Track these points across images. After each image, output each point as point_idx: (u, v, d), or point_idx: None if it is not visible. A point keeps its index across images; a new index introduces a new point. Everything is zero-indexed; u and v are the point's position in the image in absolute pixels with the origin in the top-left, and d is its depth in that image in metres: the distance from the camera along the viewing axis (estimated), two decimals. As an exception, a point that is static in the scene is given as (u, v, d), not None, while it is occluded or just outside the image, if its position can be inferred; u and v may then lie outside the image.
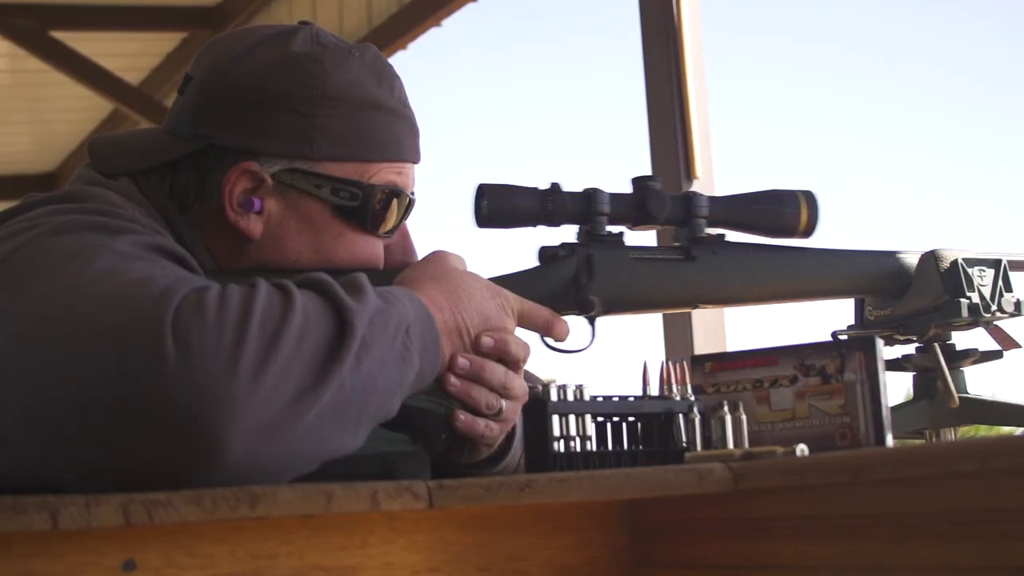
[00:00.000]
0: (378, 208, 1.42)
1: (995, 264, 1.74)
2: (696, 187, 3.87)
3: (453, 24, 5.90)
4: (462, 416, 1.33)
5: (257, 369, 1.05)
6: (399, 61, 6.08)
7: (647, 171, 2.90)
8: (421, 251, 1.42)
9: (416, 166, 1.48)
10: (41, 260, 1.14)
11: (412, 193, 1.47)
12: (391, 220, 1.44)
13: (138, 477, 1.00)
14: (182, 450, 1.03)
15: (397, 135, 1.44)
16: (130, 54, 7.28)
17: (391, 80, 1.46)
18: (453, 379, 1.31)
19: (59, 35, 6.71)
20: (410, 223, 1.49)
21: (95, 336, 1.06)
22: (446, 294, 1.30)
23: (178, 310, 1.06)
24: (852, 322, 1.81)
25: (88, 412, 1.04)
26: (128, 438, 1.04)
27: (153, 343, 1.04)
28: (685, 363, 1.36)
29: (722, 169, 4.16)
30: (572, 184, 1.49)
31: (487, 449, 1.39)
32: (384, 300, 1.18)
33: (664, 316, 3.99)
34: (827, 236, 1.65)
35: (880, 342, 1.36)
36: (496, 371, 1.33)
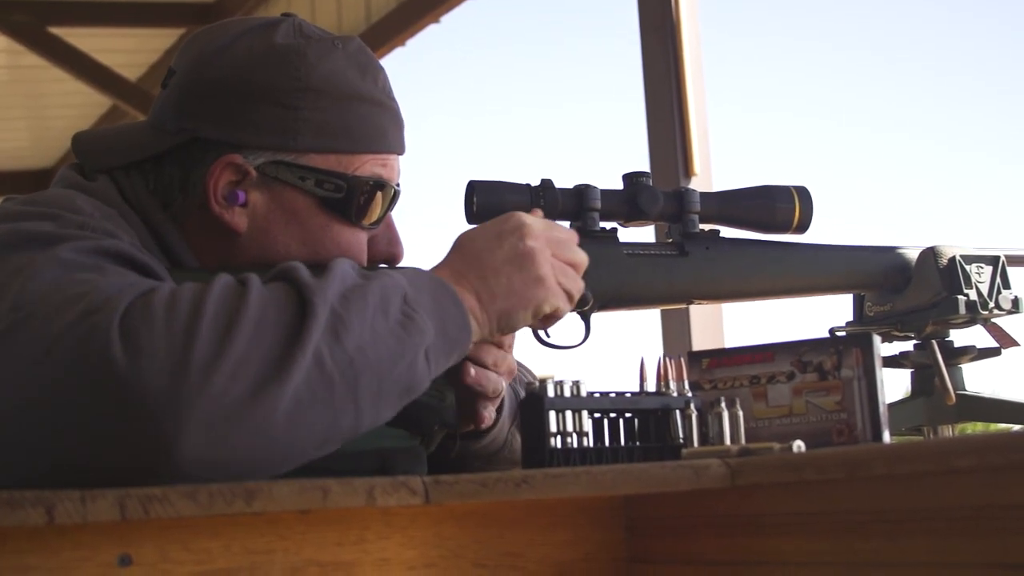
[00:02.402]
0: (363, 200, 1.42)
1: (993, 261, 1.74)
2: (694, 184, 3.87)
3: (452, 20, 5.90)
4: (485, 414, 1.40)
5: (210, 364, 1.05)
6: (397, 58, 6.08)
7: (646, 168, 2.89)
8: (412, 246, 1.44)
9: (401, 158, 1.48)
10: None
11: (397, 185, 1.46)
12: (376, 212, 1.44)
13: (100, 480, 0.99)
14: (140, 451, 1.04)
15: (382, 127, 1.44)
16: (128, 50, 7.28)
17: (375, 71, 1.45)
18: (473, 371, 1.35)
19: (57, 31, 6.72)
20: (397, 215, 1.49)
21: (43, 351, 1.06)
22: (454, 251, 1.31)
23: (124, 317, 1.06)
24: (851, 318, 1.81)
25: (43, 419, 1.05)
26: (84, 443, 1.05)
27: (99, 351, 1.04)
28: (682, 359, 1.36)
29: (721, 167, 4.16)
30: (569, 181, 1.49)
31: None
32: (363, 277, 1.19)
33: (662, 312, 3.99)
34: (828, 234, 1.65)
35: (877, 339, 1.36)
36: (508, 358, 1.39)
